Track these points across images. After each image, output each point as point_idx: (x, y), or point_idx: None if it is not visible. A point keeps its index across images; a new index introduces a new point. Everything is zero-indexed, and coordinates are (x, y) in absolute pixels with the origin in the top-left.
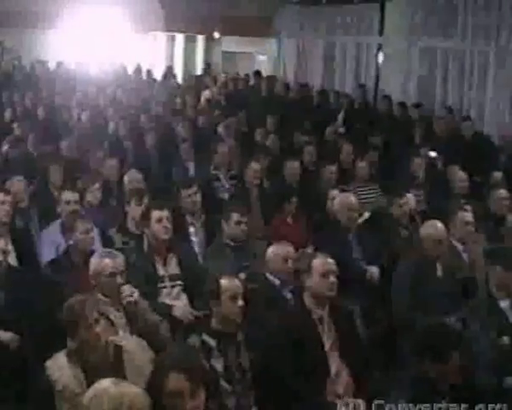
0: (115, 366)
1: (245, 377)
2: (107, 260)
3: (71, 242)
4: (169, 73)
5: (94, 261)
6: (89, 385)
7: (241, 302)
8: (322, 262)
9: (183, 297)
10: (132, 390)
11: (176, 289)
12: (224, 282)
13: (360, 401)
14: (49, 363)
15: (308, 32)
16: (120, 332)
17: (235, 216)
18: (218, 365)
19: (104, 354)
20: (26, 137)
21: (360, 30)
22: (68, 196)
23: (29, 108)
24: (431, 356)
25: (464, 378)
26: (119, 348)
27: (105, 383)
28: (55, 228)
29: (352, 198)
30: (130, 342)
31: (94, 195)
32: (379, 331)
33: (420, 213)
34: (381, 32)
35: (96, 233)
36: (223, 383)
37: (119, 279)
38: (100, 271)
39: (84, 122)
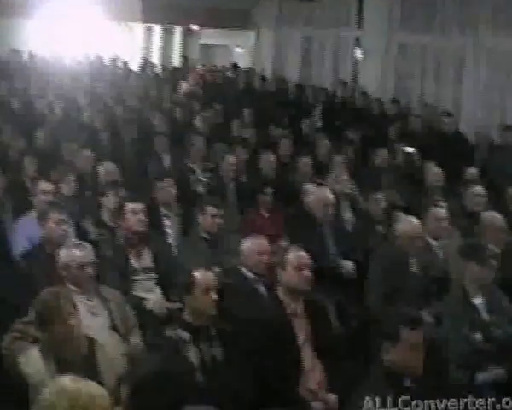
0: (88, 359)
1: (219, 370)
2: (75, 252)
3: (45, 231)
4: (146, 64)
5: (63, 253)
6: None
7: (214, 296)
8: (296, 256)
9: (157, 290)
10: (90, 389)
11: (149, 282)
12: (197, 275)
13: (333, 396)
14: (22, 357)
15: (286, 26)
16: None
17: (210, 209)
18: (194, 358)
19: (77, 346)
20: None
21: (338, 24)
22: (44, 186)
23: (3, 98)
24: (384, 337)
25: (431, 372)
26: (92, 342)
27: (63, 380)
28: (29, 219)
29: (328, 193)
30: (104, 336)
31: (68, 186)
32: (353, 326)
33: (395, 208)
34: (358, 26)
35: (70, 225)
36: (198, 376)
37: (89, 270)
38: (69, 262)
39: (59, 113)
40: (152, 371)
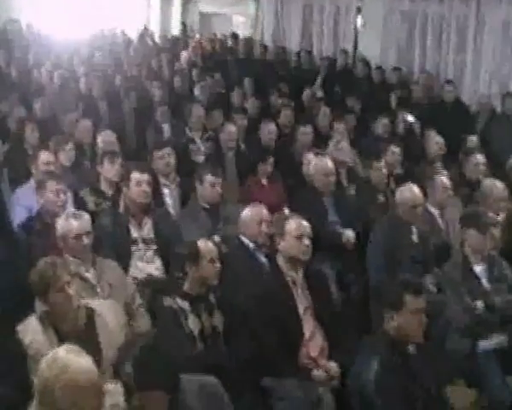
0: (88, 329)
1: (219, 338)
2: (72, 222)
3: (43, 201)
4: (145, 33)
5: (60, 224)
6: None
7: (218, 265)
8: (296, 225)
9: (157, 261)
10: (80, 362)
11: (149, 253)
12: (202, 245)
13: (334, 364)
14: (20, 327)
15: None
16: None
17: (209, 178)
18: (194, 327)
19: (76, 317)
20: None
21: None
22: (44, 156)
23: (3, 67)
24: (387, 305)
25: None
26: (91, 311)
27: (59, 352)
28: (28, 189)
29: (328, 162)
30: (103, 306)
31: (67, 156)
32: (353, 295)
33: (396, 177)
34: None
35: (68, 195)
36: (199, 344)
37: (86, 240)
38: (66, 233)
39: (57, 83)
40: (151, 340)
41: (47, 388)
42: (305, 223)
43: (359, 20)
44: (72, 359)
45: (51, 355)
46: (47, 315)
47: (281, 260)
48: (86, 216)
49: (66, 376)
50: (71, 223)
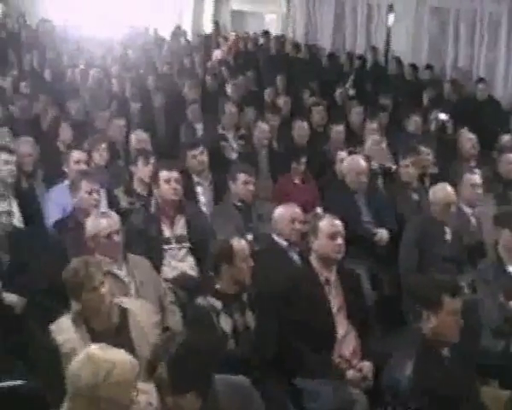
0: (120, 328)
1: (251, 337)
2: (102, 221)
3: (77, 201)
4: (177, 32)
5: (90, 224)
6: None
7: (250, 263)
8: (329, 224)
9: (190, 259)
10: (115, 357)
11: (182, 251)
12: (235, 244)
13: (367, 364)
14: (53, 326)
15: None
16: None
17: (242, 176)
18: (227, 326)
19: (109, 316)
20: (34, 97)
21: None
22: (77, 155)
23: (36, 67)
24: (423, 305)
25: (466, 338)
26: (124, 311)
27: (92, 350)
28: (62, 189)
29: (361, 161)
30: (135, 305)
31: (100, 155)
32: (386, 294)
33: (429, 175)
34: None
35: (102, 194)
36: (231, 344)
37: (117, 238)
38: (97, 232)
39: (91, 82)
40: (185, 340)
41: (90, 386)
42: (338, 222)
43: (391, 18)
44: (107, 353)
45: (84, 354)
46: (80, 314)
47: (314, 259)
48: (115, 215)
49: (102, 371)
50: (101, 222)
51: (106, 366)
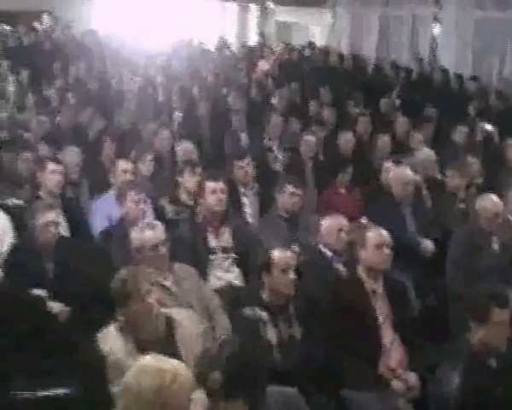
0: (167, 338)
1: (297, 349)
2: (147, 233)
3: (124, 211)
4: (222, 43)
5: (135, 235)
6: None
7: (292, 275)
8: (376, 235)
9: (235, 270)
10: (174, 366)
11: (228, 262)
12: (275, 254)
13: (413, 374)
14: (100, 335)
15: (363, 3)
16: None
17: (289, 188)
18: (273, 337)
19: (156, 326)
20: (79, 108)
21: (415, 1)
22: (124, 165)
23: (81, 78)
24: (471, 316)
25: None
26: (170, 321)
27: (146, 360)
28: (107, 198)
29: (407, 172)
30: (182, 315)
31: (147, 166)
32: (432, 304)
33: (475, 186)
34: (436, 3)
35: (148, 204)
36: (276, 355)
37: (163, 249)
38: (143, 244)
39: (136, 92)
40: (237, 349)
41: (154, 392)
42: (384, 232)
43: (436, 28)
44: (166, 363)
45: (140, 365)
46: (127, 324)
47: (360, 270)
48: (160, 225)
49: (165, 381)
50: (146, 234)
51: (169, 372)
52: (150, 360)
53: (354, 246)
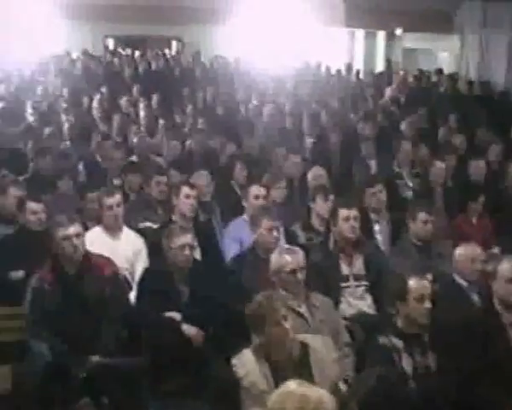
0: (301, 363)
1: (432, 378)
2: (287, 257)
3: (256, 237)
4: (349, 69)
5: (275, 258)
6: (276, 383)
7: (427, 303)
8: (508, 267)
9: (368, 297)
10: (317, 393)
11: (360, 289)
12: (411, 282)
13: None
14: (235, 359)
15: (491, 28)
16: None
17: (422, 215)
18: (408, 366)
19: (290, 350)
20: (208, 133)
21: None
22: (257, 190)
23: (210, 103)
24: None
25: None
26: (305, 346)
27: (290, 385)
28: (239, 223)
29: None
30: (316, 341)
31: (280, 192)
32: None
33: None
34: None
35: (280, 230)
36: (411, 385)
37: (300, 275)
38: (281, 268)
39: (265, 118)
40: (367, 380)
41: None
42: None
43: None
44: (309, 390)
45: (285, 390)
46: (261, 347)
47: (496, 301)
48: (300, 252)
49: (310, 406)
50: (286, 258)
51: (313, 400)
52: (295, 385)
53: (488, 276)
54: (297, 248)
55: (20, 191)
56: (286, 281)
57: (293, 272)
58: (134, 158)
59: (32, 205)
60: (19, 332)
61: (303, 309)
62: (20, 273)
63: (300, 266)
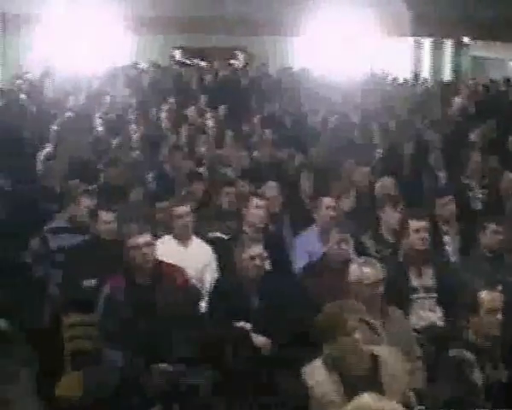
0: (372, 375)
1: (503, 393)
2: (367, 270)
3: (326, 249)
4: (416, 79)
5: (353, 270)
6: (346, 394)
7: (500, 316)
8: None
9: (438, 310)
10: (392, 407)
11: (429, 301)
12: (483, 295)
13: None
14: (305, 369)
15: None
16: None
17: (492, 226)
18: (479, 380)
19: (361, 362)
20: (276, 143)
21: None
22: (328, 202)
23: (277, 114)
24: None
25: None
26: (375, 358)
27: (365, 398)
28: (311, 234)
29: None
30: (387, 352)
31: (349, 202)
32: None
33: None
34: None
35: (350, 242)
36: (482, 399)
37: (380, 288)
38: (361, 280)
39: (332, 129)
40: (440, 394)
41: None
42: None
43: None
44: (385, 404)
45: (360, 402)
46: (332, 358)
47: None
48: (378, 264)
49: None
50: (366, 271)
51: None
52: (369, 399)
53: None
54: (374, 261)
55: (92, 201)
56: (365, 293)
57: (374, 284)
58: (202, 169)
59: (103, 214)
60: (91, 340)
61: (375, 321)
62: (92, 282)
63: (380, 278)
